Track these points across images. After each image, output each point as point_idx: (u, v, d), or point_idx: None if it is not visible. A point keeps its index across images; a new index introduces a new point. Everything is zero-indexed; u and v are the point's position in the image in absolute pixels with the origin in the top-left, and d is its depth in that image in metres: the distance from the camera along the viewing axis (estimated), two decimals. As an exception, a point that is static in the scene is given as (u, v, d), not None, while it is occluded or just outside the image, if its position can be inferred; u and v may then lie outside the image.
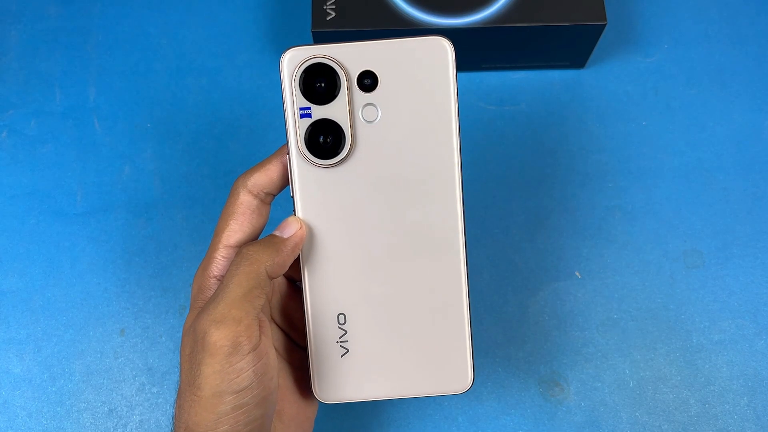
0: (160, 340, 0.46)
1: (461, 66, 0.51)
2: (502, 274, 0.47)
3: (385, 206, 0.32)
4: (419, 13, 0.47)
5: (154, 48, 0.53)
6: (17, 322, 0.46)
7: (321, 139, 0.32)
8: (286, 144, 0.32)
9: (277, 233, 0.32)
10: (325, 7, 0.47)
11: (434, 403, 0.45)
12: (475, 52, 0.50)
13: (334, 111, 0.31)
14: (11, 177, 0.50)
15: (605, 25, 0.47)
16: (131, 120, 0.51)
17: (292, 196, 0.32)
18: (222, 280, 0.32)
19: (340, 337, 0.34)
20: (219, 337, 0.29)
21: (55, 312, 0.47)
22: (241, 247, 0.32)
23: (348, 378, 0.34)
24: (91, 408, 0.45)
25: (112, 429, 0.44)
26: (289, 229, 0.32)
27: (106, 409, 0.45)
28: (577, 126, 0.51)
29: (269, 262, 0.31)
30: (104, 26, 0.54)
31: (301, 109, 0.31)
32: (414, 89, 0.32)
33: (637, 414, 0.44)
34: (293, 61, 0.31)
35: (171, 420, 0.35)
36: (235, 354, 0.29)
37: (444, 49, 0.31)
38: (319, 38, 0.48)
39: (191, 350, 0.30)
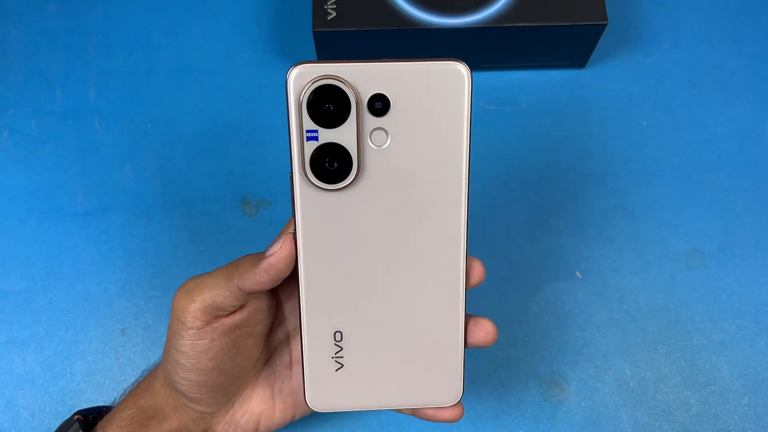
0: (161, 340, 0.46)
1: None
2: (502, 274, 0.47)
3: (388, 232, 0.32)
4: (420, 13, 0.47)
5: (154, 48, 0.53)
6: (19, 322, 0.46)
7: (327, 163, 0.30)
8: (290, 170, 0.30)
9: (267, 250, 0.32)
10: (325, 7, 0.47)
11: (435, 403, 0.45)
12: (475, 52, 0.50)
13: (342, 135, 0.30)
14: (12, 177, 0.50)
15: (606, 24, 0.47)
16: (131, 120, 0.51)
17: (294, 217, 0.31)
18: None
19: (335, 353, 0.33)
20: (176, 303, 0.34)
21: (56, 312, 0.47)
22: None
23: (340, 391, 0.34)
24: (92, 408, 0.45)
25: (113, 429, 0.44)
26: (271, 249, 0.32)
27: (107, 409, 0.45)
28: (577, 126, 0.51)
29: (240, 275, 0.32)
30: (104, 26, 0.54)
31: (308, 131, 0.29)
32: (426, 116, 0.30)
33: (637, 414, 0.44)
34: (301, 80, 0.29)
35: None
36: (177, 320, 0.34)
37: (461, 76, 0.29)
38: (320, 38, 0.48)
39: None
